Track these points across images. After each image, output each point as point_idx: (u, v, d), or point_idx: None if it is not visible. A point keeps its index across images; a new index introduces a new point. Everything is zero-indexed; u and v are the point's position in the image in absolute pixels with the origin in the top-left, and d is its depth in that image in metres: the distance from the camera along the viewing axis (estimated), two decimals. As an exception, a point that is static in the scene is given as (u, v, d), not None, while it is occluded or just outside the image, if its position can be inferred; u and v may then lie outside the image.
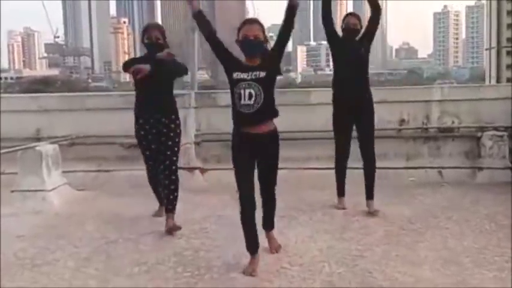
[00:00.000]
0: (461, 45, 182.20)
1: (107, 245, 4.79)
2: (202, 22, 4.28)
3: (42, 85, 64.83)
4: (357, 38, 5.79)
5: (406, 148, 7.71)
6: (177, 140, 5.36)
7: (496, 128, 7.42)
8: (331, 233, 5.03)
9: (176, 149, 5.34)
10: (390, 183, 7.10)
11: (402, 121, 7.72)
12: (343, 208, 5.84)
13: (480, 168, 7.33)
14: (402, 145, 7.71)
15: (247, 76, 4.05)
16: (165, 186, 5.27)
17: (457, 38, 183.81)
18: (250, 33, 4.09)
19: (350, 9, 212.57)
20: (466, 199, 6.26)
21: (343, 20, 5.89)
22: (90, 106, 7.83)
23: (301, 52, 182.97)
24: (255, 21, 4.20)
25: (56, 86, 67.32)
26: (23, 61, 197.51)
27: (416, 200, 6.26)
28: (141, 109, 5.36)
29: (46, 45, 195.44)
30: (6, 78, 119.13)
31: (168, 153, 5.26)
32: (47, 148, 6.44)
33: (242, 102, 4.03)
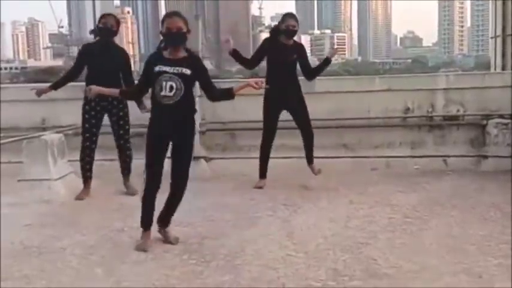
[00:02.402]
0: (467, 33, 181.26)
1: (112, 233, 4.82)
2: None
3: (46, 75, 64.77)
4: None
5: (411, 136, 7.71)
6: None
7: (501, 116, 7.38)
8: (335, 221, 5.05)
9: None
10: (395, 172, 7.14)
11: (407, 109, 7.70)
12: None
13: (485, 157, 7.32)
14: (407, 133, 7.71)
15: (170, 69, 4.26)
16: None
17: (462, 26, 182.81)
18: (173, 25, 4.28)
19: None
20: (470, 187, 6.26)
21: (283, 20, 6.34)
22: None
23: (305, 41, 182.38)
24: (176, 14, 4.40)
25: (60, 76, 67.28)
26: (28, 51, 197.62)
27: (421, 188, 6.26)
28: None
29: (50, 35, 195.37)
30: (11, 68, 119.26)
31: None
32: (53, 137, 6.46)
33: (163, 93, 4.25)
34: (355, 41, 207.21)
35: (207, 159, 7.50)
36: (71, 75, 6.44)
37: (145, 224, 4.47)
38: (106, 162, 7.33)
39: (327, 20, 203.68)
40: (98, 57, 6.14)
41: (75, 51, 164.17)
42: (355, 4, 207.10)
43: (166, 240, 4.54)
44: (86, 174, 6.29)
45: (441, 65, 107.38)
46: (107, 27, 6.14)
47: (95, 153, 6.30)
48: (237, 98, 4.75)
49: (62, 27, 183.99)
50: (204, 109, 7.42)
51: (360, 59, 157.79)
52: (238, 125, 7.66)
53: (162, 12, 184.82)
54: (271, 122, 6.38)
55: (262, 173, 6.48)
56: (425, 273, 3.82)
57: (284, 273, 3.85)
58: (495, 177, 6.60)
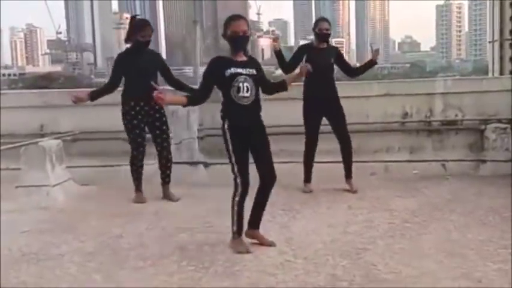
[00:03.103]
0: (464, 38, 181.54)
1: (111, 240, 4.81)
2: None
3: (45, 81, 64.87)
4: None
5: (410, 141, 7.71)
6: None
7: (499, 121, 7.40)
8: (334, 226, 5.04)
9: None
10: (394, 176, 7.14)
11: (405, 114, 7.71)
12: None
13: (483, 161, 7.32)
14: (406, 138, 7.71)
15: (244, 71, 4.30)
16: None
17: (459, 31, 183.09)
18: (240, 28, 4.31)
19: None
20: (469, 192, 6.25)
21: (315, 25, 6.34)
22: (93, 101, 7.82)
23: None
24: (241, 17, 4.43)
25: (59, 82, 67.40)
26: (26, 57, 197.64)
27: (420, 193, 6.26)
28: None
29: (49, 41, 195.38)
30: (9, 74, 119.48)
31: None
32: (51, 144, 6.46)
33: (241, 94, 4.28)
34: (353, 46, 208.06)
35: (206, 165, 7.48)
36: (111, 87, 6.15)
37: (241, 229, 4.45)
38: (104, 168, 7.35)
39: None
40: (135, 65, 5.98)
41: (73, 57, 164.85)
42: (352, 9, 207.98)
43: (264, 242, 4.52)
44: (135, 182, 6.25)
45: (439, 70, 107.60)
46: (148, 40, 6.04)
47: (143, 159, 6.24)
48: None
49: (60, 33, 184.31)
50: (203, 114, 7.42)
51: (358, 64, 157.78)
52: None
53: (161, 13, 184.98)
54: (312, 129, 6.39)
55: (307, 178, 6.50)
56: (425, 278, 3.82)
57: (283, 279, 3.84)
58: (494, 182, 6.60)
